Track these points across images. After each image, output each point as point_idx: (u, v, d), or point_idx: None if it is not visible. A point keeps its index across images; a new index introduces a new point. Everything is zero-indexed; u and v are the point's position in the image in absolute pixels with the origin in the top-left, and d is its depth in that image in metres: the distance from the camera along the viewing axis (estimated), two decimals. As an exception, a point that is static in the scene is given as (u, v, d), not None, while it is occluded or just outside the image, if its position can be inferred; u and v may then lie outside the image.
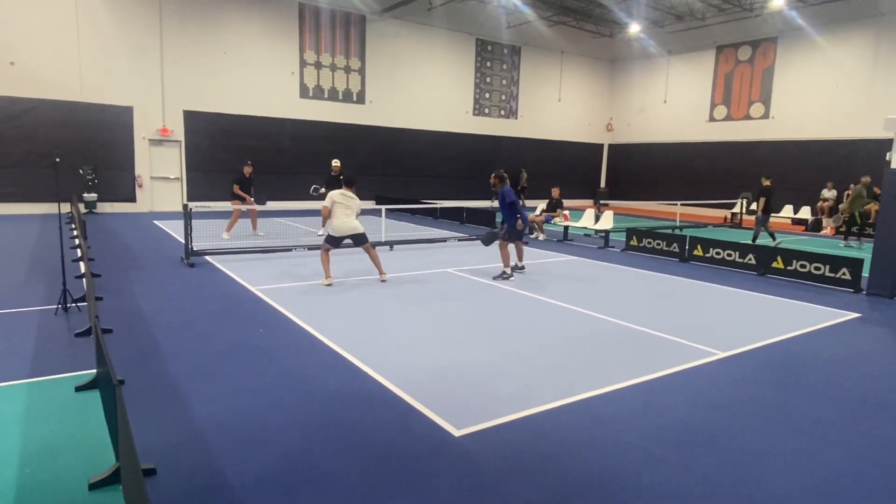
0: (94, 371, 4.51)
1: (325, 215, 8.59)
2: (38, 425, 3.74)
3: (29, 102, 16.06)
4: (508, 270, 9.22)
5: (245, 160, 13.07)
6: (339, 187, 8.70)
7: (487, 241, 9.73)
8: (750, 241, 12.55)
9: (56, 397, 4.17)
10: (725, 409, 4.36)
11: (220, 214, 16.81)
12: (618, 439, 3.80)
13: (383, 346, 5.57)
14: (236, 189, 12.32)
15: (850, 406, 4.52)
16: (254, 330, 5.95)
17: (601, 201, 23.32)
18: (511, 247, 9.48)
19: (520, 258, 9.65)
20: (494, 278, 9.06)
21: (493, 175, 9.28)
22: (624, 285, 9.00)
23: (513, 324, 6.50)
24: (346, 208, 8.57)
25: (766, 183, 14.23)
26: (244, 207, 12.25)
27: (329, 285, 8.30)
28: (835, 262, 9.41)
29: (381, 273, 8.85)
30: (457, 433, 3.80)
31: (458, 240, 13.34)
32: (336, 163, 13.66)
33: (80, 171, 16.73)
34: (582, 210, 16.33)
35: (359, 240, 8.79)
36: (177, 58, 18.10)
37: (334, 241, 8.69)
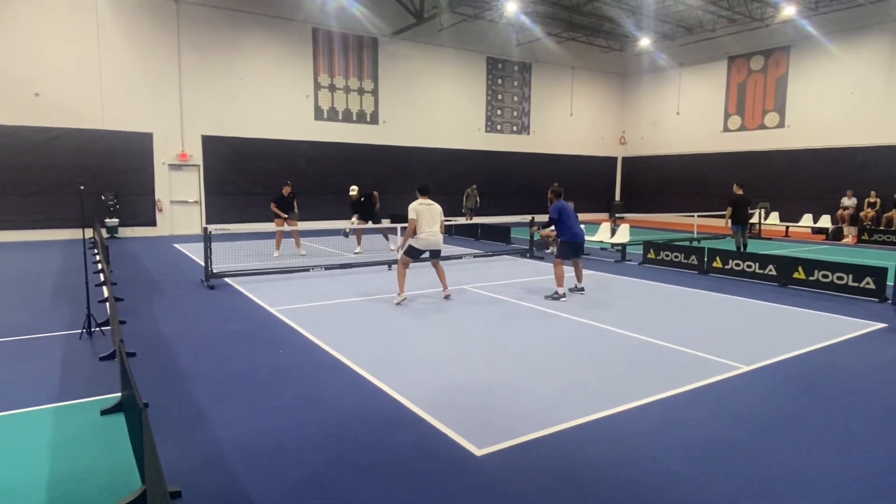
0: (119, 394, 4.58)
1: (412, 228, 8.07)
2: (64, 450, 3.80)
3: (52, 132, 16.49)
4: (560, 290, 8.68)
5: (285, 181, 13.47)
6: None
7: (539, 247, 9.45)
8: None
9: (82, 421, 4.23)
10: (751, 423, 4.29)
11: (240, 237, 17.03)
12: (641, 457, 3.76)
13: (402, 365, 5.58)
14: (273, 207, 12.95)
15: (880, 418, 4.42)
16: (274, 351, 5.99)
17: (616, 214, 23.20)
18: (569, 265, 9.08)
19: (578, 278, 9.23)
20: (546, 297, 8.70)
21: (549, 190, 8.99)
22: (643, 299, 8.92)
23: (531, 340, 6.47)
24: (431, 218, 8.10)
25: (738, 192, 14.08)
26: (287, 228, 12.95)
27: (403, 300, 8.10)
28: (858, 271, 9.25)
29: (445, 288, 8.58)
30: (478, 452, 3.78)
31: (474, 256, 13.34)
32: (353, 190, 14.12)
33: (103, 197, 17.10)
34: (597, 224, 16.25)
35: (436, 254, 8.41)
36: (195, 85, 18.52)
37: (416, 254, 8.23)
